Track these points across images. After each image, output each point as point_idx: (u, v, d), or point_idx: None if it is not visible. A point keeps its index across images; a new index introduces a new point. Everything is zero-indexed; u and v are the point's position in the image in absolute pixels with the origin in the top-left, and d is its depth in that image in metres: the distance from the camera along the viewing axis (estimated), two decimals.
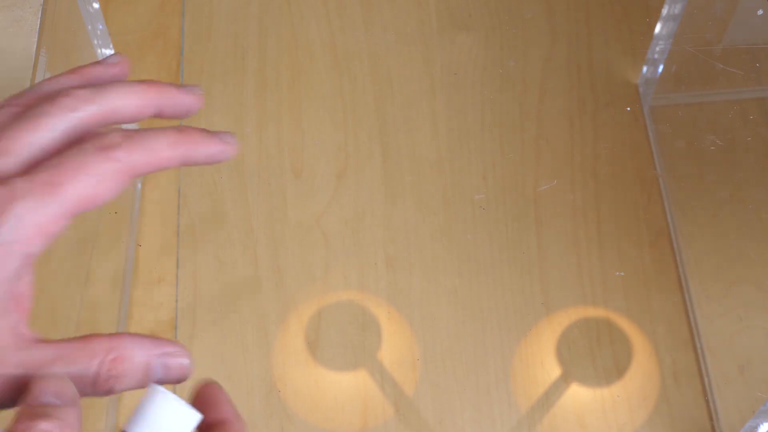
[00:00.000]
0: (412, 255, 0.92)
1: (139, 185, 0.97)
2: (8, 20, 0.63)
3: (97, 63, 0.41)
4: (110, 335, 0.35)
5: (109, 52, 0.88)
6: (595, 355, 0.87)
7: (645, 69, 1.00)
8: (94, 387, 0.34)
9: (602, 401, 0.86)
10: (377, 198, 0.96)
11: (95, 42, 0.86)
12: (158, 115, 0.39)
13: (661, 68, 0.98)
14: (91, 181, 0.35)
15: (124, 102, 0.38)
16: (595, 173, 0.96)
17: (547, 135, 0.99)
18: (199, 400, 0.36)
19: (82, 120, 0.37)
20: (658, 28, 0.95)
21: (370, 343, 0.88)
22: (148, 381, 0.34)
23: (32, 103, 0.38)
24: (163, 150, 0.37)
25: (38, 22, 0.63)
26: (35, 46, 0.62)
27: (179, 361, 0.36)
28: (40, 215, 0.34)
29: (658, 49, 0.97)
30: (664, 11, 0.94)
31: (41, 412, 0.30)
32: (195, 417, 0.33)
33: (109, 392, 0.35)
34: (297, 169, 0.97)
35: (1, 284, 0.34)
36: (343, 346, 0.88)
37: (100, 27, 0.86)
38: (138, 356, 0.35)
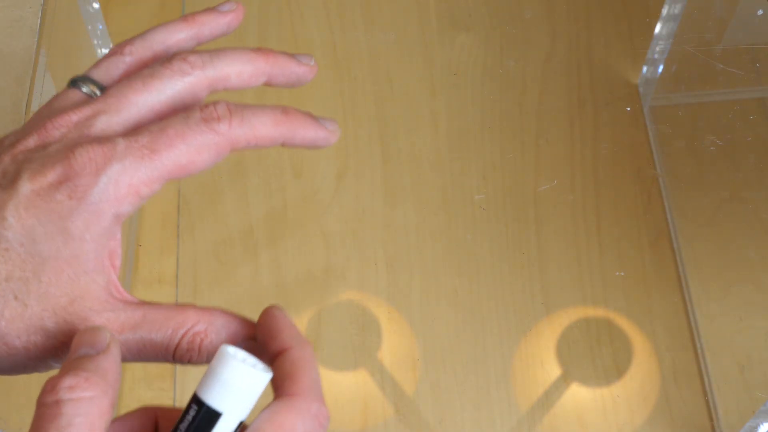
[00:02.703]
0: (412, 255, 0.92)
1: None
2: (8, 20, 0.63)
3: (211, 10, 0.41)
4: (203, 309, 0.35)
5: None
6: (595, 355, 0.87)
7: (645, 69, 1.00)
8: (174, 356, 0.34)
9: (602, 401, 0.86)
10: (377, 198, 0.96)
11: (95, 42, 0.86)
12: (269, 83, 0.40)
13: (661, 68, 0.98)
14: (190, 150, 0.35)
15: (236, 69, 0.38)
16: (595, 173, 0.96)
17: (547, 135, 0.98)
18: (261, 330, 0.35)
19: (193, 84, 0.37)
20: (658, 28, 0.95)
21: (370, 343, 0.88)
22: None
23: (145, 58, 0.39)
24: (265, 128, 0.37)
25: (38, 22, 0.63)
26: (35, 46, 0.62)
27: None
28: (134, 177, 0.34)
29: (658, 49, 0.97)
30: (664, 11, 0.94)
31: (71, 365, 0.30)
32: (267, 376, 0.32)
33: (188, 363, 0.35)
34: (297, 169, 0.97)
35: (92, 242, 0.34)
36: (343, 346, 0.88)
37: (100, 27, 0.86)
38: (224, 335, 0.35)
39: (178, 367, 0.88)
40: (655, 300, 0.90)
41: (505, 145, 0.98)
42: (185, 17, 0.41)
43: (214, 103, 0.37)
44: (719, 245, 0.92)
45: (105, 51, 0.87)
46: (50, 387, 0.30)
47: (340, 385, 0.87)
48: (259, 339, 0.35)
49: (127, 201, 0.34)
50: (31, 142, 0.35)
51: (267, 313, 0.35)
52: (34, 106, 0.61)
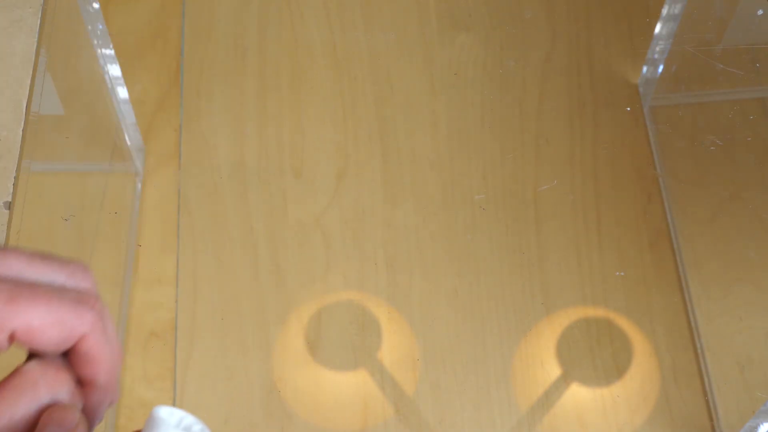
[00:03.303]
0: (412, 255, 0.92)
1: (139, 185, 0.97)
2: (8, 20, 0.63)
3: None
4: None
5: (109, 52, 0.88)
6: (595, 355, 0.87)
7: (645, 69, 1.00)
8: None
9: (602, 401, 0.86)
10: (377, 198, 0.96)
11: (95, 42, 0.86)
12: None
13: (661, 68, 0.98)
14: None
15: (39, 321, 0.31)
16: (595, 173, 0.96)
17: (547, 135, 0.99)
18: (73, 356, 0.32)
19: None
20: (658, 28, 0.95)
21: (370, 343, 0.88)
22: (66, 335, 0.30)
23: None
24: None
25: (38, 22, 0.63)
26: (35, 46, 0.62)
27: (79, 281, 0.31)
28: None
29: (658, 49, 0.97)
30: (664, 11, 0.94)
31: None
32: None
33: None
34: (297, 169, 0.97)
35: None
36: (343, 346, 0.88)
37: (100, 27, 0.86)
38: (41, 321, 0.30)
39: (179, 367, 0.88)
40: (655, 300, 0.90)
41: (505, 145, 0.98)
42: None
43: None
44: (719, 245, 0.92)
45: (105, 51, 0.87)
46: None
47: (340, 385, 0.87)
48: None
49: None
50: None
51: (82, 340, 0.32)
52: (34, 106, 0.61)
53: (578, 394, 0.86)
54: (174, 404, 0.86)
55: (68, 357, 0.32)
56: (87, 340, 0.31)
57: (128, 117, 0.95)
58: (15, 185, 0.57)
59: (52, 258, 0.33)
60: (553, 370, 0.87)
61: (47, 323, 0.30)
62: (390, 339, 0.89)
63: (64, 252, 0.79)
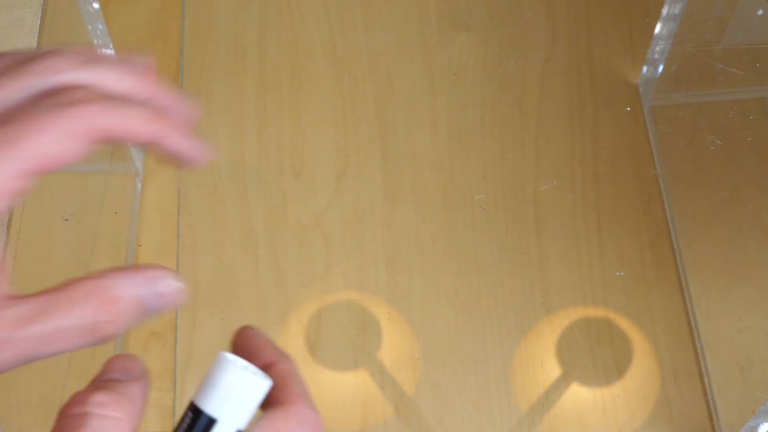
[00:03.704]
0: (412, 255, 0.92)
1: (139, 185, 0.97)
2: (8, 20, 0.63)
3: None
4: (90, 277, 0.33)
5: (109, 52, 0.88)
6: (595, 355, 0.87)
7: (645, 69, 1.00)
8: (93, 335, 0.32)
9: (602, 401, 0.86)
10: (377, 198, 0.96)
11: (95, 42, 0.86)
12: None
13: (661, 68, 0.98)
14: (53, 138, 0.33)
15: (113, 78, 0.35)
16: (595, 173, 0.96)
17: (547, 135, 0.99)
18: (239, 350, 0.34)
19: (61, 83, 0.34)
20: (658, 28, 0.95)
21: (370, 343, 0.88)
22: (144, 316, 0.32)
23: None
24: (132, 121, 0.35)
25: (38, 23, 0.63)
26: (35, 46, 0.62)
27: (172, 285, 0.33)
28: None
29: (658, 49, 0.97)
30: (664, 11, 0.94)
31: (102, 384, 0.30)
32: (265, 383, 0.31)
33: (107, 338, 0.33)
34: (297, 169, 0.97)
35: None
36: (343, 346, 0.88)
37: (100, 27, 0.86)
38: (129, 292, 0.33)
39: (179, 367, 0.88)
40: (655, 300, 0.90)
41: (505, 145, 0.98)
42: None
43: (76, 88, 0.34)
44: (719, 245, 0.92)
45: (105, 51, 0.87)
46: (78, 400, 0.29)
47: (340, 385, 0.87)
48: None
49: None
50: None
51: (243, 334, 0.35)
52: None
53: (578, 394, 0.86)
54: (174, 404, 0.86)
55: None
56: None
57: None
58: None
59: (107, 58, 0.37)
60: (553, 370, 0.87)
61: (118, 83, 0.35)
62: (390, 339, 0.89)
63: (65, 252, 0.79)
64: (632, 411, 0.85)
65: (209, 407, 0.30)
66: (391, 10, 1.07)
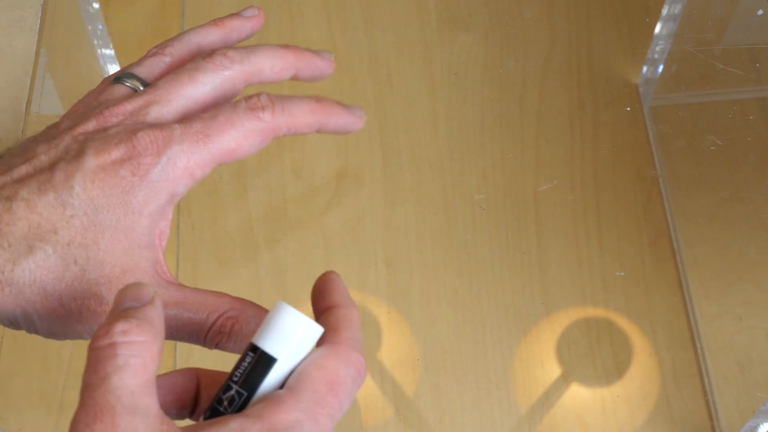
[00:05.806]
0: (412, 255, 0.92)
1: None
2: (8, 20, 0.63)
3: (236, 15, 0.47)
4: (237, 298, 0.39)
5: (109, 52, 0.88)
6: (595, 355, 0.87)
7: (645, 69, 1.00)
8: (206, 337, 0.37)
9: (602, 401, 0.86)
10: (377, 198, 0.96)
11: (95, 42, 0.86)
12: (296, 78, 0.44)
13: (661, 68, 0.98)
14: (239, 135, 0.39)
15: (269, 64, 0.43)
16: (595, 173, 0.96)
17: (547, 135, 0.99)
18: (314, 290, 0.39)
19: (232, 78, 0.42)
20: (658, 28, 0.95)
21: (370, 343, 0.88)
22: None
23: (183, 58, 0.43)
24: (303, 116, 0.43)
25: (38, 22, 0.63)
26: (35, 46, 0.62)
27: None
28: (190, 160, 0.38)
29: (658, 49, 0.97)
30: (664, 11, 0.94)
31: (120, 314, 0.32)
32: (318, 330, 0.35)
33: (216, 347, 0.37)
34: (297, 169, 0.97)
35: (148, 218, 0.37)
36: None
37: (100, 27, 0.86)
38: (253, 325, 0.37)
39: (179, 367, 0.87)
40: (655, 300, 0.90)
41: (505, 145, 0.98)
42: (216, 21, 0.47)
43: (258, 95, 0.41)
44: (719, 245, 0.92)
45: (105, 51, 0.87)
46: (104, 332, 0.31)
47: None
48: (312, 298, 0.38)
49: (182, 182, 0.38)
50: (90, 125, 0.38)
51: (324, 276, 0.40)
52: (34, 106, 0.61)
53: (578, 394, 0.86)
54: None
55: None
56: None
57: None
58: None
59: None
60: (553, 370, 0.87)
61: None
62: (390, 339, 0.89)
63: None
64: (632, 411, 0.85)
65: (267, 346, 0.34)
66: (391, 10, 1.07)
